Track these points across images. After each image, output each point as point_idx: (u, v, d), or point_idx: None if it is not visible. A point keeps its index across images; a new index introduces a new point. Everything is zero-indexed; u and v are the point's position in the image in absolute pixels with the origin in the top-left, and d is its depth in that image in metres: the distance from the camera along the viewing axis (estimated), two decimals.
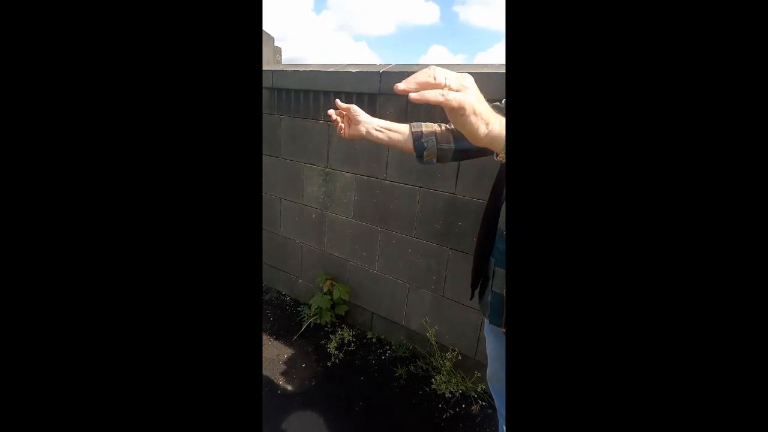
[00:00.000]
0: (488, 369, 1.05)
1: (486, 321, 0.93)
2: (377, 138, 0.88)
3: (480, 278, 0.91)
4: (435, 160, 0.88)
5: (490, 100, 0.90)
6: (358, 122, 0.86)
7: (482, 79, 1.36)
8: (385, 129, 0.87)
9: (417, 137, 0.86)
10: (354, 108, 0.86)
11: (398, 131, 0.88)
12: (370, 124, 0.87)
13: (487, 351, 1.01)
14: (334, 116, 0.87)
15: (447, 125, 0.87)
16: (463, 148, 0.85)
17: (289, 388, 1.58)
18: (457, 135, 0.84)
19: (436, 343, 1.67)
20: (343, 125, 0.87)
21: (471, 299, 0.96)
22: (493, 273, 0.86)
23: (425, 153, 0.86)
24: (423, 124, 0.88)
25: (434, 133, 0.85)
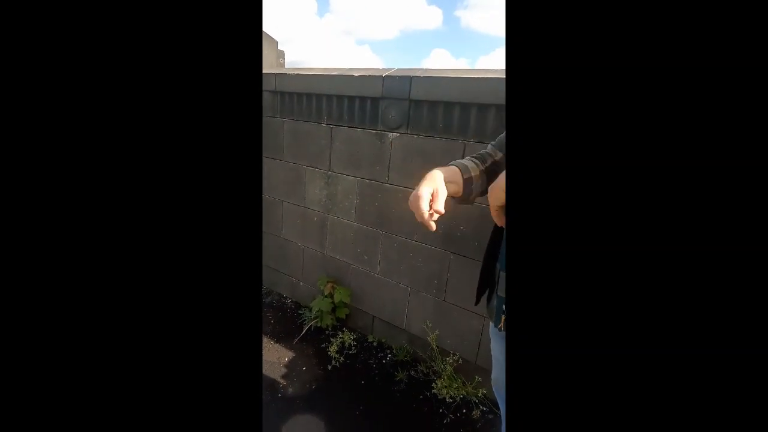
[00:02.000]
0: (493, 372, 1.05)
1: (492, 325, 0.93)
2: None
3: (487, 279, 0.91)
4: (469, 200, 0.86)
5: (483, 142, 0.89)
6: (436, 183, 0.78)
7: (483, 84, 1.37)
8: (448, 183, 0.81)
9: (467, 184, 0.82)
10: (441, 198, 0.76)
11: (455, 182, 0.82)
12: (443, 187, 0.79)
13: (493, 354, 1.01)
14: (433, 225, 0.77)
15: (480, 167, 0.85)
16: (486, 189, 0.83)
17: (290, 391, 1.57)
18: (489, 177, 0.82)
19: (437, 347, 1.67)
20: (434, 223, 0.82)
21: (476, 304, 0.95)
22: (498, 277, 0.86)
23: (470, 197, 0.84)
24: (470, 168, 0.83)
25: (477, 178, 0.83)
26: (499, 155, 0.88)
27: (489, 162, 0.87)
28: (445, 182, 0.78)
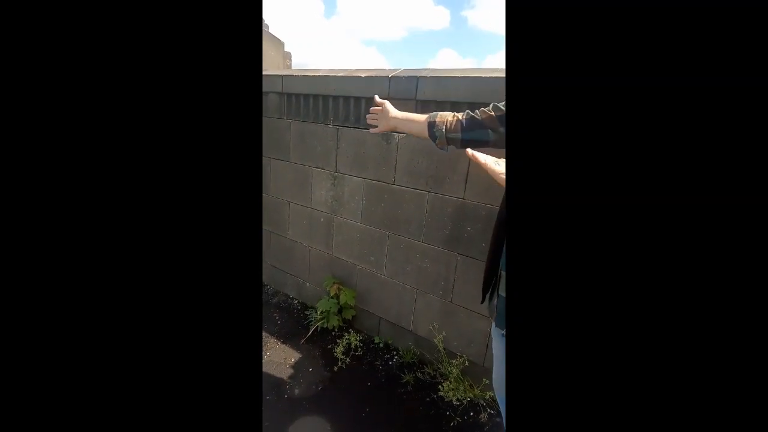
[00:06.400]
0: (494, 373, 1.04)
1: (493, 324, 0.93)
2: (401, 129, 1.07)
3: (491, 281, 0.91)
4: (447, 147, 0.98)
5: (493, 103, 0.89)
6: (388, 118, 1.07)
7: (490, 83, 1.35)
8: (408, 121, 1.05)
9: (430, 126, 0.98)
10: (387, 104, 1.09)
11: (418, 121, 1.01)
12: (397, 119, 1.06)
13: (494, 354, 1.01)
14: (369, 117, 1.11)
15: (460, 116, 0.95)
16: (470, 139, 0.93)
17: (296, 392, 1.57)
18: (465, 126, 0.93)
19: (444, 349, 1.66)
20: (375, 126, 1.13)
21: (482, 303, 0.96)
22: (500, 276, 0.86)
23: (437, 141, 0.97)
24: (438, 114, 0.99)
25: (444, 122, 0.96)
26: (493, 113, 0.89)
27: (476, 112, 0.92)
28: (407, 119, 1.04)
